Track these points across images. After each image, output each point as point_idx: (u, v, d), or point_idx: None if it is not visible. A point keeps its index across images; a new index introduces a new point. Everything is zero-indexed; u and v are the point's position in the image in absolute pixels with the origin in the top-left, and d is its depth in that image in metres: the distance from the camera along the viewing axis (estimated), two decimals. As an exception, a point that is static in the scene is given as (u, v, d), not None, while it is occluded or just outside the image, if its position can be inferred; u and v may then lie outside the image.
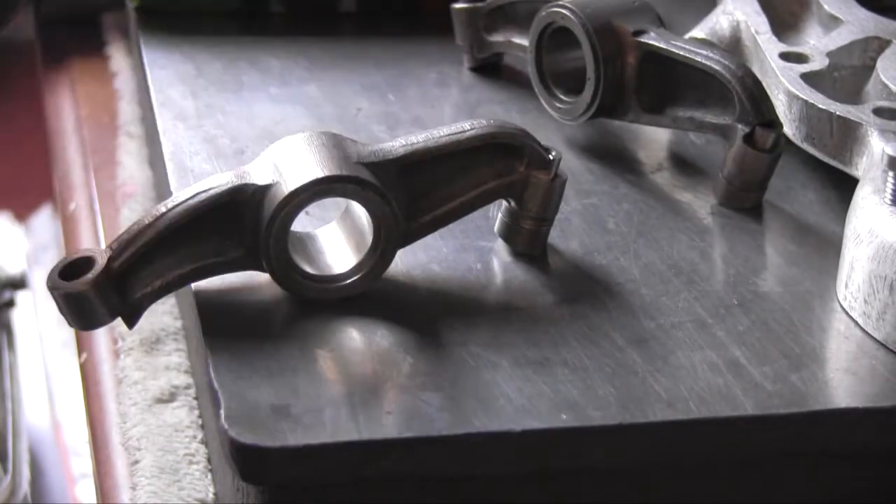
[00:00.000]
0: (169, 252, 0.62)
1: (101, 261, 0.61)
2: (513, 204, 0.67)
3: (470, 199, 0.66)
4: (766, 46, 0.80)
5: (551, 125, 0.81)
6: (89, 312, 0.61)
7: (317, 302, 0.63)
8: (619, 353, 0.62)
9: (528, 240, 0.68)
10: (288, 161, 0.63)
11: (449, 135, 0.65)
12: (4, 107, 2.11)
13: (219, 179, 0.63)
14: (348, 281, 0.64)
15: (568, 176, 0.67)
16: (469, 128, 0.66)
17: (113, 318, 0.62)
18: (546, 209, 0.67)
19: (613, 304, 0.65)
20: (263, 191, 0.62)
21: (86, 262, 0.61)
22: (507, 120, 0.68)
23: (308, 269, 0.63)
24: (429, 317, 0.63)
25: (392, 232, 0.63)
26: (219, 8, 0.95)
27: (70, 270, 0.61)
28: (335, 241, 0.66)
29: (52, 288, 0.61)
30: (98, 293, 0.60)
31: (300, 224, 0.65)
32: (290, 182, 0.62)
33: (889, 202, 0.65)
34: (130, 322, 0.62)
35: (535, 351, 0.61)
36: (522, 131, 0.66)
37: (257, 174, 0.63)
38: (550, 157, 0.66)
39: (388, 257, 0.64)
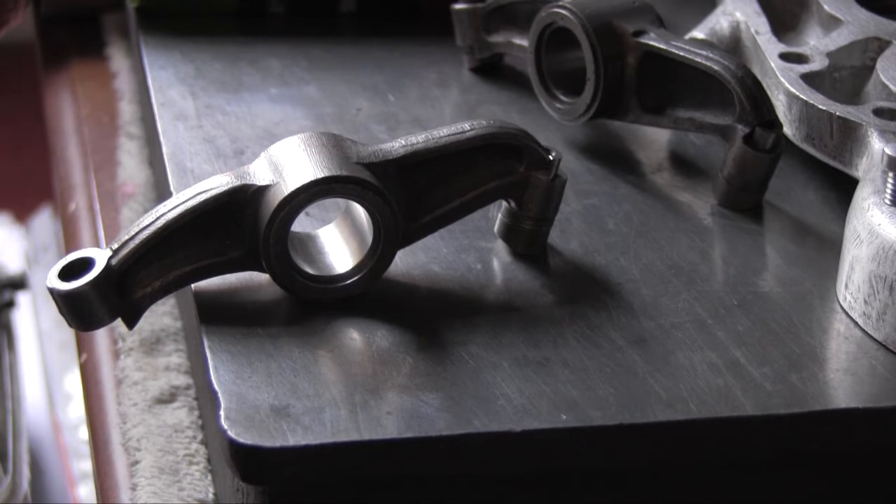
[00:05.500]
0: (169, 252, 0.62)
1: (100, 261, 0.61)
2: (512, 204, 0.67)
3: (470, 200, 0.66)
4: (766, 47, 0.80)
5: (551, 125, 0.81)
6: (89, 313, 0.61)
7: (317, 302, 0.63)
8: (619, 353, 0.62)
9: (527, 240, 0.68)
10: (288, 161, 0.63)
11: (449, 135, 0.65)
12: (4, 107, 2.11)
13: (219, 180, 0.63)
14: (348, 281, 0.64)
15: (568, 176, 0.67)
16: (469, 128, 0.66)
17: (113, 318, 0.62)
18: (546, 209, 0.67)
19: (613, 304, 0.65)
20: (263, 191, 0.62)
21: (86, 263, 0.61)
22: (507, 120, 0.68)
23: (308, 269, 0.63)
24: (429, 317, 0.63)
25: (392, 232, 0.63)
26: (219, 8, 0.95)
27: (70, 271, 0.61)
28: (335, 241, 0.66)
29: (52, 288, 0.61)
30: (98, 294, 0.60)
31: (300, 224, 0.65)
32: (289, 182, 0.62)
33: (889, 202, 0.65)
34: (130, 322, 0.62)
35: (535, 351, 0.61)
36: (522, 132, 0.66)
37: (257, 174, 0.63)
38: (550, 157, 0.66)
39: (387, 258, 0.64)
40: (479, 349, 0.61)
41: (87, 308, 0.61)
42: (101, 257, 0.61)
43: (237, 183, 0.62)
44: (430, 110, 0.84)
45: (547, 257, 0.69)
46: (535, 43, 0.80)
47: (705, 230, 0.73)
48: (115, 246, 0.61)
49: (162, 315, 0.76)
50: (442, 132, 0.65)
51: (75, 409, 1.31)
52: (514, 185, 0.66)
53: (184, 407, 0.70)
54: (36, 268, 1.51)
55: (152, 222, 0.62)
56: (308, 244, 0.66)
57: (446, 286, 0.66)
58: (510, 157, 0.66)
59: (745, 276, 0.68)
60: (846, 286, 0.66)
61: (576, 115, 0.79)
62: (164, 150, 0.76)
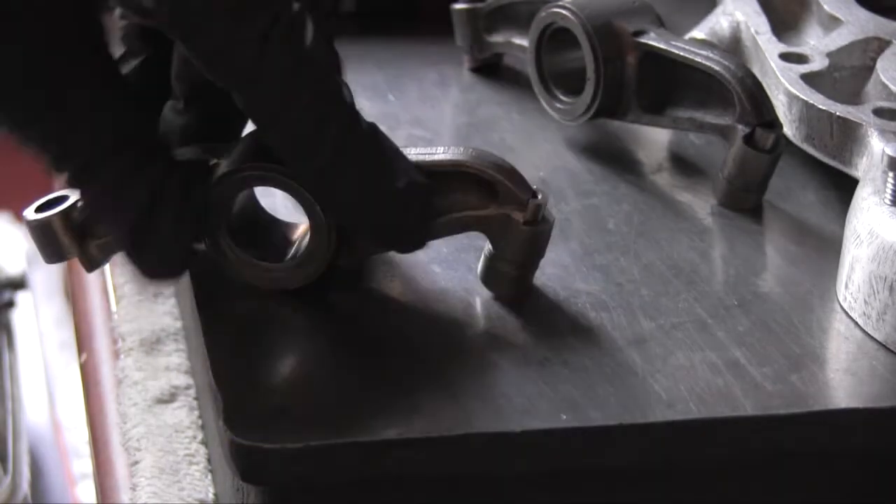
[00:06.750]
0: None
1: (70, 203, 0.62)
2: (489, 244, 0.63)
3: (439, 225, 0.62)
4: (766, 47, 0.80)
5: (551, 125, 0.81)
6: (54, 247, 0.62)
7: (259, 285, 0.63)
8: (619, 353, 0.62)
9: (508, 286, 0.64)
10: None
11: (417, 153, 0.61)
12: (4, 107, 2.11)
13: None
14: (278, 272, 0.62)
15: (555, 219, 0.63)
16: (441, 151, 0.61)
17: (74, 256, 0.62)
18: (527, 255, 0.63)
19: (613, 304, 0.65)
20: (214, 168, 0.62)
21: (62, 201, 0.63)
22: (490, 150, 0.63)
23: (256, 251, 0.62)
24: (428, 317, 0.63)
25: (322, 235, 0.61)
26: (219, 8, 0.95)
27: (46, 205, 0.63)
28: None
29: (25, 217, 0.63)
30: (64, 230, 0.62)
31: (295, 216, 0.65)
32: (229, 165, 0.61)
33: (889, 202, 0.65)
34: (90, 267, 0.63)
35: (535, 351, 0.61)
36: (497, 166, 0.61)
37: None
38: (535, 199, 0.61)
39: (319, 261, 0.62)
40: (479, 349, 0.61)
41: (52, 241, 0.62)
42: (70, 203, 0.62)
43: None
44: (430, 110, 0.84)
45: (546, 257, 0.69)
46: (535, 43, 0.80)
47: (705, 230, 0.73)
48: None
49: (162, 315, 0.76)
50: (414, 150, 0.62)
51: (75, 409, 1.31)
52: (486, 221, 0.62)
53: (184, 407, 0.70)
54: (36, 268, 1.51)
55: None
56: (287, 232, 0.65)
57: (446, 285, 0.66)
58: (483, 190, 0.62)
59: (745, 276, 0.68)
60: (846, 286, 0.66)
61: (576, 115, 0.79)
62: (164, 150, 0.76)
